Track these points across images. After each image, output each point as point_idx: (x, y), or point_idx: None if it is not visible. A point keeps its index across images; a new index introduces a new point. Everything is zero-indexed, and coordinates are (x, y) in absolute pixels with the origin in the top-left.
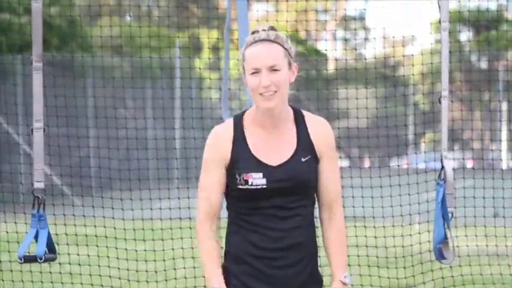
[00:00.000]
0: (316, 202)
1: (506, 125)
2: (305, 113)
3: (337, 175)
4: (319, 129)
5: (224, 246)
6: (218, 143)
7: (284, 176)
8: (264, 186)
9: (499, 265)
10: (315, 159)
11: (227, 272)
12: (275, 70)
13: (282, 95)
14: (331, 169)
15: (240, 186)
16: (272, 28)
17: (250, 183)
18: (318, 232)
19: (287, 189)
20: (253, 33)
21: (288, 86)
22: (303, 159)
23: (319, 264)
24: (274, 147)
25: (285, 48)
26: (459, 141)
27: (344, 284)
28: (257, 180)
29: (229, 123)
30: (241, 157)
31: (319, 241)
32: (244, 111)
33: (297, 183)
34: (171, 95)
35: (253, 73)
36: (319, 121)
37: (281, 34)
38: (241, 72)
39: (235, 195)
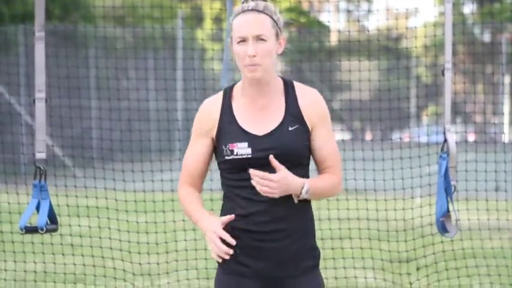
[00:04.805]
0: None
1: (508, 98)
2: (296, 83)
3: (331, 143)
4: (309, 99)
5: None
6: (206, 115)
7: (269, 145)
8: (249, 156)
9: (501, 239)
10: (305, 129)
11: None
12: (261, 40)
13: (268, 66)
14: (324, 137)
15: (227, 157)
16: None
17: (235, 153)
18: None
19: None
20: (242, 2)
21: (274, 57)
22: (290, 128)
23: (315, 239)
24: (261, 117)
25: (273, 19)
26: (461, 115)
27: (301, 193)
28: (242, 149)
29: (219, 95)
30: (227, 128)
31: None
32: (235, 83)
33: (283, 152)
34: (173, 66)
35: (239, 42)
36: (309, 91)
37: (270, 5)
38: (229, 42)
39: (224, 168)
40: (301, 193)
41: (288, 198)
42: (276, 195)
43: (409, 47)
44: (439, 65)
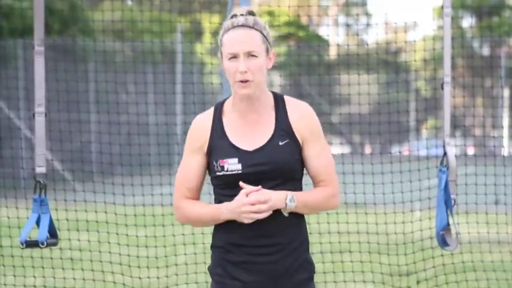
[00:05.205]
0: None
1: (507, 111)
2: (286, 98)
3: (324, 157)
4: (299, 113)
5: (211, 240)
6: (197, 130)
7: (259, 161)
8: (239, 172)
9: (500, 252)
10: (295, 143)
11: (213, 261)
12: (253, 56)
13: (259, 82)
14: (316, 151)
15: (218, 173)
16: (251, 13)
17: (226, 169)
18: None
19: (263, 174)
20: (231, 17)
21: (265, 73)
22: (280, 143)
23: (309, 253)
24: (251, 133)
25: (263, 35)
26: (461, 128)
27: (286, 205)
28: (232, 165)
29: (210, 110)
30: (218, 144)
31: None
32: (226, 98)
33: (274, 167)
34: (172, 80)
35: (230, 58)
36: (300, 105)
37: (259, 20)
38: (219, 58)
39: (216, 184)
40: (286, 204)
41: (278, 212)
42: (262, 216)
43: (408, 61)
44: (438, 79)
